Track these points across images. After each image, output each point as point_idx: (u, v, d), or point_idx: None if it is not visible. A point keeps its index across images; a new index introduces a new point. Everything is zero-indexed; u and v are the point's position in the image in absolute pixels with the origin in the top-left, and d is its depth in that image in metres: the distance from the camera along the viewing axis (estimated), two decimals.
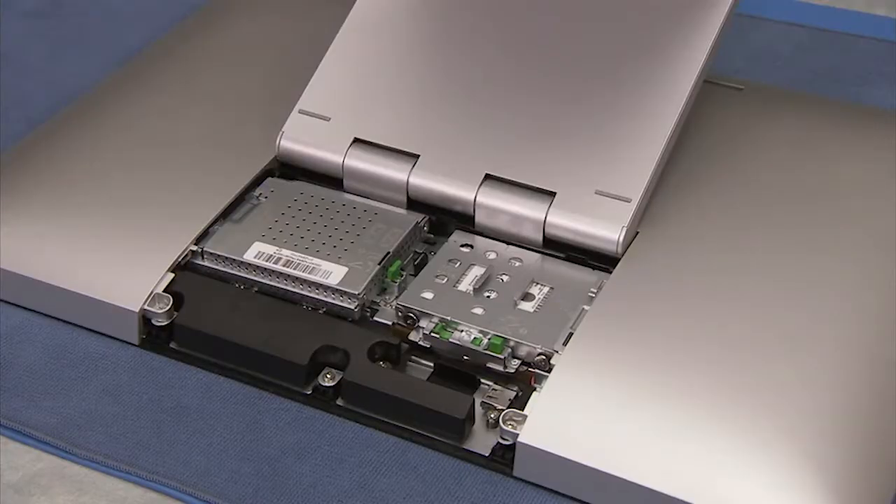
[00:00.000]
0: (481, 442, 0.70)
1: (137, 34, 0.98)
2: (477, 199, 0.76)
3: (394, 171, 0.78)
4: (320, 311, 0.74)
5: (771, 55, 0.96)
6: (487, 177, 0.77)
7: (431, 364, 0.72)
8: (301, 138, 0.80)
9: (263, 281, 0.75)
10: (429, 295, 0.73)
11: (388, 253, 0.75)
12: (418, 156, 0.78)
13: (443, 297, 0.73)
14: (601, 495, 0.66)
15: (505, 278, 0.74)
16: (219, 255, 0.76)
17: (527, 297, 0.73)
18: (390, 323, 0.73)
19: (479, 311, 0.72)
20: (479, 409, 0.70)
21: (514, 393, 0.70)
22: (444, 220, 0.78)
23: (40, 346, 0.75)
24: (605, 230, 0.74)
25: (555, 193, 0.75)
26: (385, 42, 0.82)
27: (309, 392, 0.72)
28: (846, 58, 0.96)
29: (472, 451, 0.69)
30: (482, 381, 0.71)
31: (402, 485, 0.68)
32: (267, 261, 0.75)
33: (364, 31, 0.82)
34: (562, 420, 0.67)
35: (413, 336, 0.72)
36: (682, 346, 0.69)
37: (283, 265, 0.75)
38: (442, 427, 0.69)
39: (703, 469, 0.65)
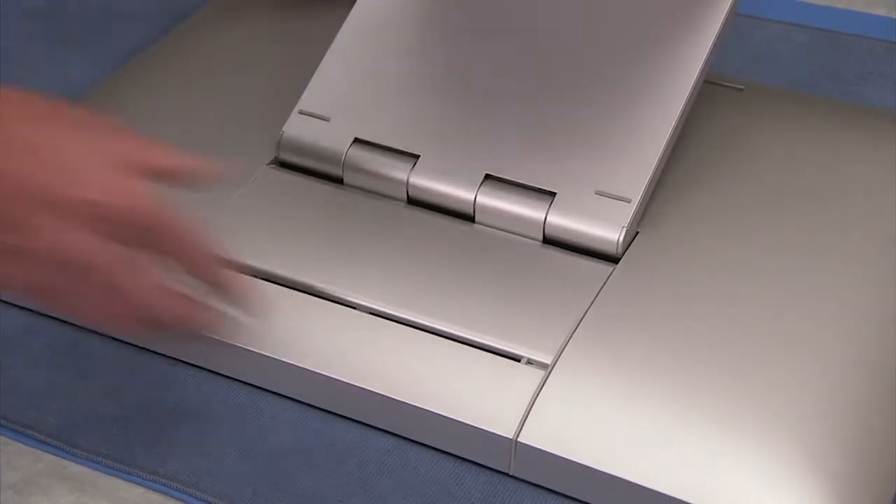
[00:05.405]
0: None
1: (137, 34, 0.98)
2: (477, 199, 0.76)
3: (394, 172, 0.78)
4: None
5: (771, 55, 0.96)
6: (487, 177, 0.77)
7: None
8: (301, 139, 0.80)
9: None
10: None
11: None
12: (418, 156, 0.78)
13: None
14: (601, 495, 0.66)
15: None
16: None
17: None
18: None
19: None
20: None
21: None
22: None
23: (41, 347, 0.75)
24: (605, 230, 0.74)
25: (555, 194, 0.75)
26: (385, 42, 0.82)
27: None
28: (846, 58, 0.96)
29: None
30: None
31: (402, 485, 0.68)
32: None
33: (364, 31, 0.82)
34: (562, 420, 0.67)
35: None
36: (682, 346, 0.69)
37: None
38: None
39: (703, 469, 0.65)
